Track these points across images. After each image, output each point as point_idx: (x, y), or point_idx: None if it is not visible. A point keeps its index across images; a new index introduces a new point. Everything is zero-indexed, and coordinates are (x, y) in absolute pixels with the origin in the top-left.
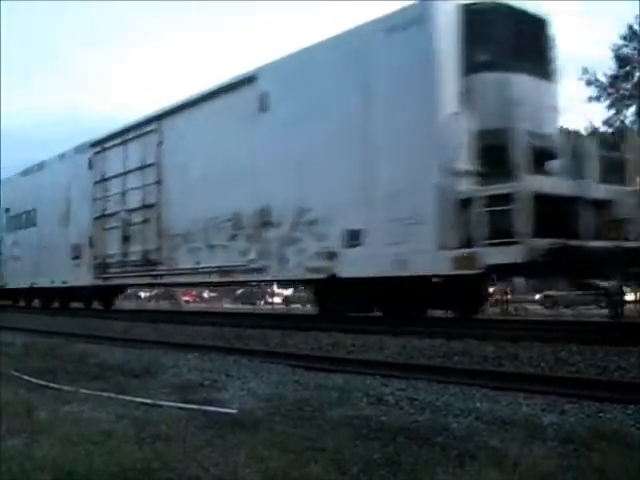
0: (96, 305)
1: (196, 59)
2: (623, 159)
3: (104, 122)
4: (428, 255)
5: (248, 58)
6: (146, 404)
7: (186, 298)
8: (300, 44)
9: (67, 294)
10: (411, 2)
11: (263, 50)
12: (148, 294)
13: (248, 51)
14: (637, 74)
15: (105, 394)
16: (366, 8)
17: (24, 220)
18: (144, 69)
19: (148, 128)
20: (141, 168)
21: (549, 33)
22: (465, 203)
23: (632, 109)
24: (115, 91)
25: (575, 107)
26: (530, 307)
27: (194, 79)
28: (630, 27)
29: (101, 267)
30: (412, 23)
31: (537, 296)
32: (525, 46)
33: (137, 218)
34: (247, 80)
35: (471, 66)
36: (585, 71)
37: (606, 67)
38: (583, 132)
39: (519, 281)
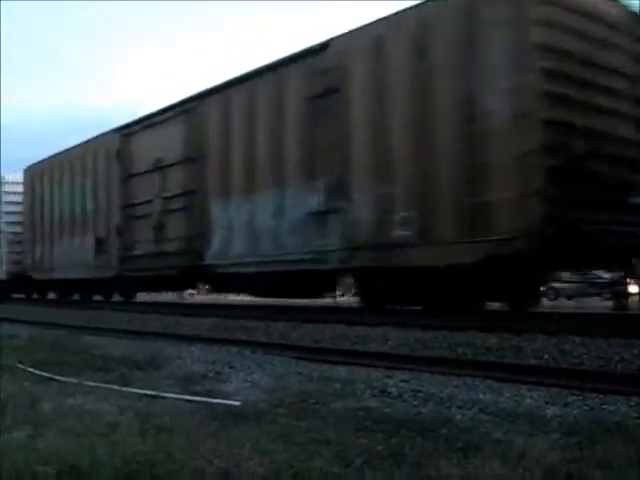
0: None
1: (196, 58)
2: None
3: (104, 119)
4: None
5: (248, 58)
6: (150, 396)
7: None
8: (301, 44)
9: None
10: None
11: (263, 50)
12: None
13: (248, 51)
14: None
15: (109, 386)
16: (367, 8)
17: None
18: (143, 67)
19: None
20: None
21: None
22: None
23: None
24: (114, 89)
25: None
26: None
27: (193, 78)
28: None
29: None
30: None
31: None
32: None
33: None
34: None
35: None
36: None
37: None
38: None
39: None
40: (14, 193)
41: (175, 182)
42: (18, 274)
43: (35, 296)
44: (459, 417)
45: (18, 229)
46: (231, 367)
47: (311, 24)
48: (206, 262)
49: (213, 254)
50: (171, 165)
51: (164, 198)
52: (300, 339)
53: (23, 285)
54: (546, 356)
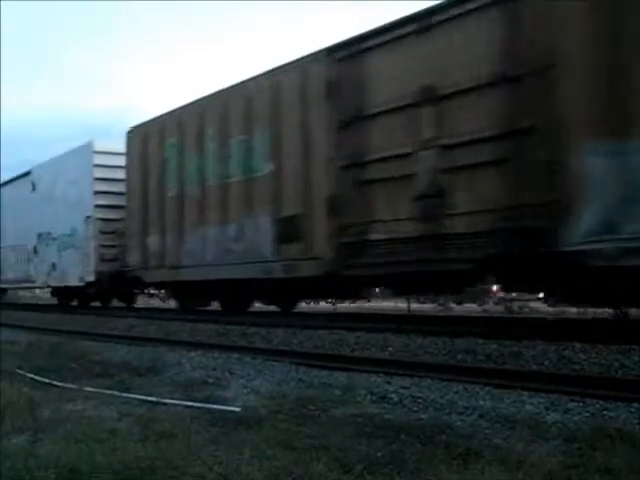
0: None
1: (196, 58)
2: None
3: (103, 122)
4: None
5: (248, 57)
6: (150, 402)
7: None
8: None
9: None
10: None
11: (262, 49)
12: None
13: (248, 50)
14: None
15: (109, 392)
16: (366, 8)
17: None
18: (143, 69)
19: None
20: None
21: None
22: None
23: None
24: (115, 91)
25: None
26: (533, 305)
27: (194, 78)
28: None
29: None
30: None
31: (541, 294)
32: None
33: None
34: None
35: None
36: None
37: None
38: None
39: None
40: (108, 167)
41: (472, 119)
42: (113, 275)
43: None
44: (459, 423)
45: (112, 214)
46: (231, 373)
47: (311, 24)
48: (569, 248)
49: (584, 233)
50: (464, 92)
51: (445, 147)
52: (300, 345)
53: (119, 289)
54: (546, 362)
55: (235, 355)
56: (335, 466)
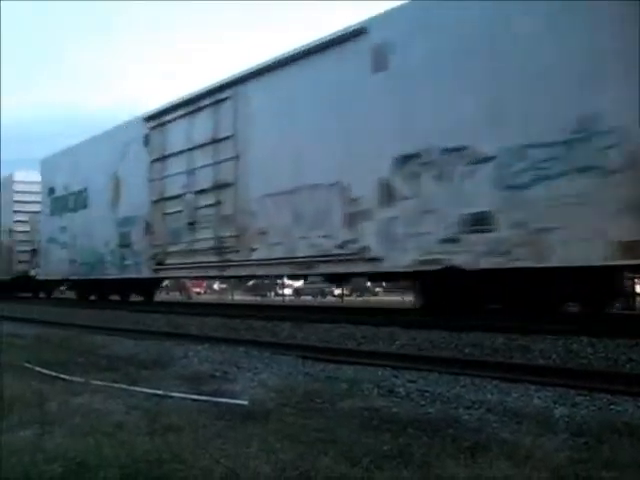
0: None
1: (196, 58)
2: None
3: (104, 119)
4: None
5: (248, 57)
6: (157, 395)
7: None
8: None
9: None
10: None
11: (262, 50)
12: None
13: (248, 50)
14: None
15: (116, 385)
16: (366, 8)
17: None
18: (143, 68)
19: None
20: None
21: None
22: None
23: None
24: (114, 88)
25: None
26: None
27: (193, 75)
28: None
29: None
30: None
31: None
32: None
33: None
34: None
35: None
36: None
37: None
38: None
39: None
40: None
41: None
42: None
43: None
44: (466, 417)
45: None
46: (238, 367)
47: (310, 23)
48: None
49: None
50: None
51: None
52: (307, 339)
53: None
54: (554, 356)
55: (242, 349)
56: (342, 459)
